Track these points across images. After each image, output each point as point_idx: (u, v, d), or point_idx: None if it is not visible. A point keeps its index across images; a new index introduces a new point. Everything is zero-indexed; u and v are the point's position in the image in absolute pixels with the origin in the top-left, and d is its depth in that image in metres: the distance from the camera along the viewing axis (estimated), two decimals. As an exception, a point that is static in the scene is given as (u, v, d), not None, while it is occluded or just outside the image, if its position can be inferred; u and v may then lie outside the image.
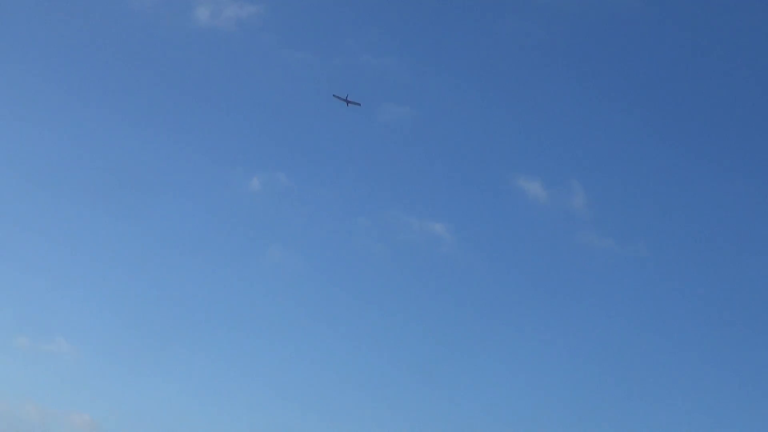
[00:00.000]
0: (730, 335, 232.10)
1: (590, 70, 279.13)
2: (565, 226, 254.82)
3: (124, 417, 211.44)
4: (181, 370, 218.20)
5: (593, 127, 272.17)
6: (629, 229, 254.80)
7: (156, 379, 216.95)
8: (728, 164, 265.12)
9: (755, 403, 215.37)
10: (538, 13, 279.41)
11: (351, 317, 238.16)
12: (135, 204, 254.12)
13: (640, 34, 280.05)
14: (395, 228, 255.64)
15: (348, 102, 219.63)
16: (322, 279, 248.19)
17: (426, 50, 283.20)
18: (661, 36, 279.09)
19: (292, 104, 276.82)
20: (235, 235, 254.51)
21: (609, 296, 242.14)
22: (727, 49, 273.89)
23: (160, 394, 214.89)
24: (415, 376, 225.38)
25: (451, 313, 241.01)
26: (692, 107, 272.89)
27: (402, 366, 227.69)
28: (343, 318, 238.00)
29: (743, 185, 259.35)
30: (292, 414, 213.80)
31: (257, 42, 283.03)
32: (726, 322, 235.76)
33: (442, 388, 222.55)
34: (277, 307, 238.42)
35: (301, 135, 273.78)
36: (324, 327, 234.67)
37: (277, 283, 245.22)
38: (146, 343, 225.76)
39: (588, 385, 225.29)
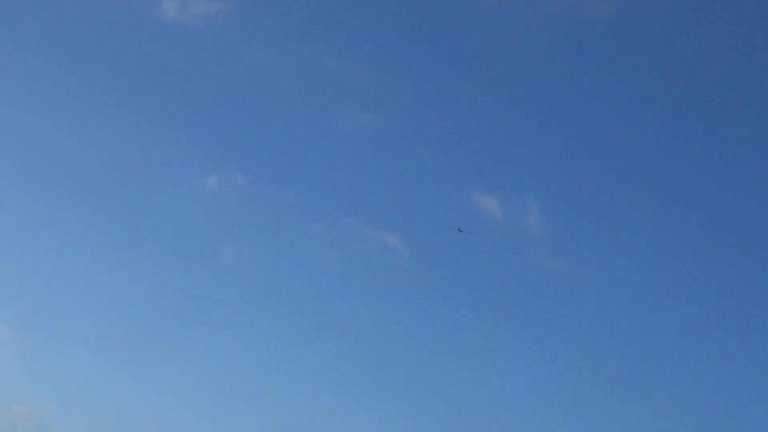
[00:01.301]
0: (680, 367, 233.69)
1: (554, 90, 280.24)
2: (519, 245, 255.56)
3: (66, 409, 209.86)
4: (126, 362, 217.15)
5: (554, 148, 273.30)
6: (582, 253, 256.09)
7: (100, 371, 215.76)
8: (681, 194, 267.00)
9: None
10: (505, 28, 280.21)
11: (299, 322, 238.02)
12: (89, 195, 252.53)
13: (603, 56, 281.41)
14: (349, 236, 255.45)
15: (460, 231, 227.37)
16: (273, 282, 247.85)
17: (392, 59, 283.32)
18: (622, 62, 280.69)
19: (254, 104, 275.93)
20: (188, 232, 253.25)
21: (559, 318, 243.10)
22: (685, 81, 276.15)
23: (104, 386, 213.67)
24: (362, 384, 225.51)
25: (400, 325, 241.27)
26: (651, 136, 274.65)
27: (349, 373, 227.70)
28: (292, 321, 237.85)
29: (694, 215, 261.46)
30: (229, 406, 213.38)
31: (223, 39, 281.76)
32: (674, 351, 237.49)
33: (390, 395, 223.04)
34: (226, 306, 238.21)
35: (261, 136, 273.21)
36: (271, 329, 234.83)
37: (228, 282, 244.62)
38: (91, 332, 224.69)
39: (533, 399, 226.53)
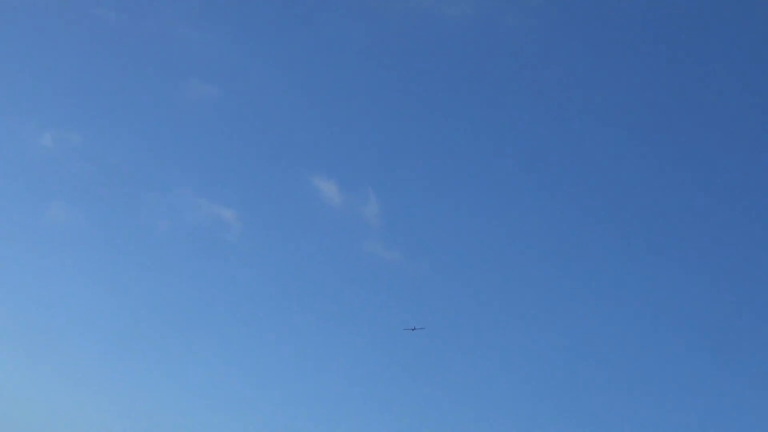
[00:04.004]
0: (516, 360, 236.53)
1: (405, 80, 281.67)
2: (355, 233, 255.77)
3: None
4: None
5: (399, 139, 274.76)
6: (415, 245, 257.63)
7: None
8: (514, 194, 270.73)
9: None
10: (365, 19, 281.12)
11: (124, 286, 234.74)
12: None
13: (456, 53, 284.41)
14: (183, 207, 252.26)
15: (414, 329, 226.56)
16: (100, 243, 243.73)
17: (243, 32, 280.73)
18: (473, 59, 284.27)
19: (98, 64, 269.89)
20: (16, 186, 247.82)
21: (388, 308, 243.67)
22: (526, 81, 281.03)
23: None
24: (180, 356, 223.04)
25: (224, 301, 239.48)
26: (495, 132, 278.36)
27: (167, 343, 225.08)
28: (116, 287, 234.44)
29: (534, 213, 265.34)
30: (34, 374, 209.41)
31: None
32: (499, 345, 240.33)
33: (212, 372, 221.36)
34: (50, 263, 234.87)
35: (102, 97, 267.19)
36: (94, 291, 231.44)
37: (53, 241, 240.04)
38: None
39: (361, 388, 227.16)
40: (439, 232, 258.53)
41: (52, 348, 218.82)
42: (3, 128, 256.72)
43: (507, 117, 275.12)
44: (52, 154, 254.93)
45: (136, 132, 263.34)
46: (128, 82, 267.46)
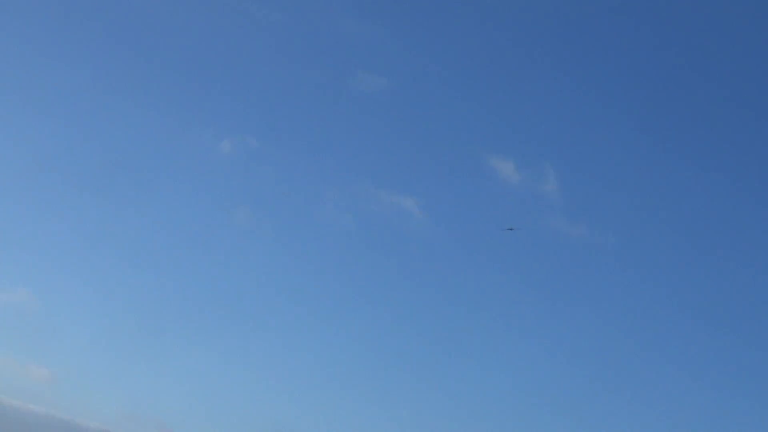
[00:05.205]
0: (696, 328, 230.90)
1: (573, 57, 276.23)
2: (537, 210, 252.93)
3: (83, 373, 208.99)
4: (143, 331, 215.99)
5: (571, 114, 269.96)
6: (600, 219, 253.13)
7: (119, 338, 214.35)
8: (700, 159, 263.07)
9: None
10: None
11: (314, 287, 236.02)
12: (104, 165, 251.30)
13: (621, 21, 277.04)
14: (364, 200, 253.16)
15: (511, 229, 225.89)
16: (286, 243, 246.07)
17: (410, 23, 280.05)
18: (644, 28, 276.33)
19: (267, 67, 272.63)
20: (202, 195, 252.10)
21: (577, 284, 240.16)
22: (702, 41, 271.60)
23: (121, 353, 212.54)
24: (374, 350, 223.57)
25: (416, 290, 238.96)
26: (670, 101, 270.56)
27: (362, 339, 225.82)
28: (306, 287, 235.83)
29: (715, 179, 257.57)
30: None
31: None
32: (690, 315, 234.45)
33: (401, 363, 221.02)
34: (239, 270, 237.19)
35: (275, 99, 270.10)
36: (284, 295, 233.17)
37: (242, 246, 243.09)
38: (109, 298, 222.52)
39: (549, 370, 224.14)
40: (624, 204, 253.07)
41: (253, 342, 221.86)
42: (183, 138, 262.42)
43: (692, 80, 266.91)
44: (231, 160, 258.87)
45: (310, 130, 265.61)
46: (297, 82, 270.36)
